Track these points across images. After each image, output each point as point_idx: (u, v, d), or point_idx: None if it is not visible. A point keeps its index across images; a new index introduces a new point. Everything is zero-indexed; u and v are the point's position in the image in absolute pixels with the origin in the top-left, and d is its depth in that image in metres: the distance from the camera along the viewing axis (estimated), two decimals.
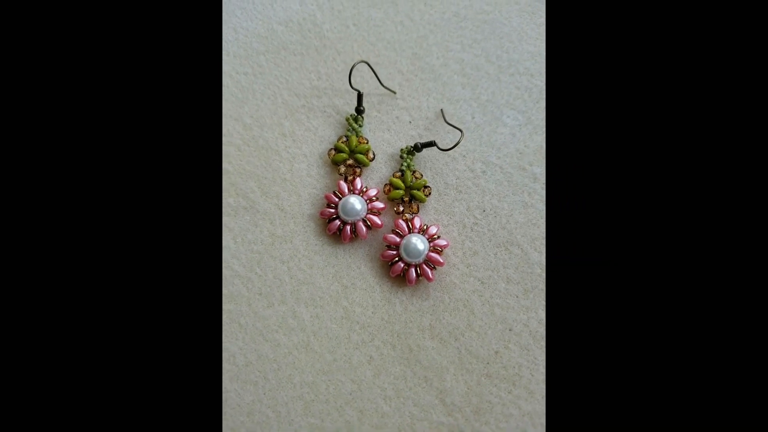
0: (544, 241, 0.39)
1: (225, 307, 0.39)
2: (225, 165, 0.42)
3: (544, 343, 0.37)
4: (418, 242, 0.38)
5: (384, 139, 0.43)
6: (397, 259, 0.38)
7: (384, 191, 0.41)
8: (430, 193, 0.40)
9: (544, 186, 0.40)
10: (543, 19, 0.46)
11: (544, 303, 0.38)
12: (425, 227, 0.39)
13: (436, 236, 0.39)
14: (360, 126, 0.42)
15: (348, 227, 0.39)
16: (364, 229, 0.39)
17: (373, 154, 0.42)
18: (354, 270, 0.39)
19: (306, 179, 0.42)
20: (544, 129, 0.42)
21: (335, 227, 0.39)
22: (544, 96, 0.43)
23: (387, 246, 0.39)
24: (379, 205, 0.40)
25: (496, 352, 0.37)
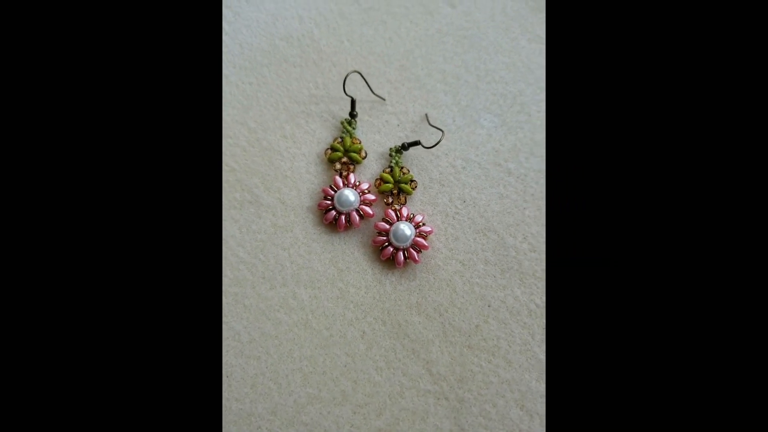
0: (518, 228, 0.43)
1: (231, 290, 0.41)
2: (232, 164, 0.46)
3: (519, 318, 0.40)
4: (406, 228, 0.40)
5: (375, 140, 0.45)
6: (387, 244, 0.40)
7: (375, 185, 0.42)
8: (416, 187, 0.42)
9: (517, 179, 0.45)
10: (516, 34, 0.51)
11: (519, 282, 0.41)
12: (412, 216, 0.41)
13: (421, 223, 0.40)
14: (353, 129, 0.44)
15: (343, 217, 0.41)
16: (357, 218, 0.41)
17: (366, 152, 0.44)
18: (348, 255, 0.41)
19: (305, 176, 0.44)
20: (516, 130, 0.46)
21: (331, 217, 0.41)
22: (517, 101, 0.48)
23: (378, 233, 0.41)
24: (371, 197, 0.42)
25: (477, 326, 0.39)
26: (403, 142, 0.44)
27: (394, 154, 0.43)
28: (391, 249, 0.40)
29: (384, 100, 0.46)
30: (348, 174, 0.43)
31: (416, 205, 0.43)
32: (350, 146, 0.43)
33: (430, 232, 0.40)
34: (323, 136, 0.45)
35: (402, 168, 0.42)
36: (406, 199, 0.42)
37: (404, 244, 0.40)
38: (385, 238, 0.40)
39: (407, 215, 0.41)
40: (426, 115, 0.45)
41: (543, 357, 0.38)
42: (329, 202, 0.41)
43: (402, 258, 0.40)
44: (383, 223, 0.41)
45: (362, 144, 0.44)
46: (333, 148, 0.43)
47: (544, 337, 0.38)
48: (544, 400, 0.36)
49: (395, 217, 0.41)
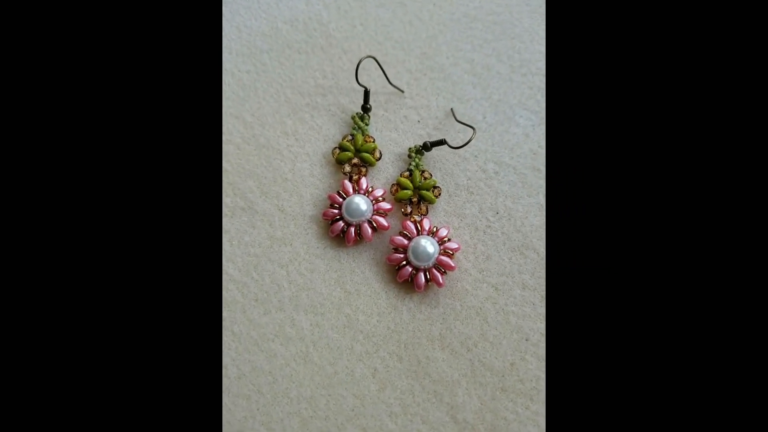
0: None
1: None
2: (224, 164, 0.41)
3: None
4: (428, 245, 0.36)
5: (391, 138, 0.42)
6: (404, 262, 0.37)
7: (391, 192, 0.39)
8: (439, 194, 0.39)
9: None
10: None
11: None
12: (435, 229, 0.37)
13: (446, 239, 0.37)
14: (366, 125, 0.41)
15: (352, 229, 0.38)
16: (369, 231, 0.38)
17: (380, 153, 0.40)
18: (358, 275, 0.38)
19: (308, 179, 0.40)
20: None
21: (338, 229, 0.38)
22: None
23: (394, 249, 0.37)
24: (386, 206, 0.38)
25: (512, 364, 0.35)
26: (424, 141, 0.40)
27: (414, 155, 0.40)
28: (410, 269, 0.36)
29: (402, 92, 0.43)
30: (359, 178, 0.39)
31: (440, 217, 0.39)
32: (362, 145, 0.40)
33: (456, 250, 0.37)
34: (331, 133, 0.42)
35: (423, 172, 0.39)
36: (427, 208, 0.39)
37: (426, 264, 0.36)
38: (402, 255, 0.37)
39: (429, 228, 0.38)
40: (452, 110, 0.42)
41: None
42: (336, 211, 0.38)
43: (423, 280, 0.36)
44: (400, 238, 0.37)
45: (376, 143, 0.41)
46: (342, 148, 0.40)
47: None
48: None
49: (415, 231, 0.37)
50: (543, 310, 0.35)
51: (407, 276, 0.36)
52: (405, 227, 0.37)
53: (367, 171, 0.40)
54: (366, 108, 0.41)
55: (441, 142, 0.39)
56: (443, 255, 0.36)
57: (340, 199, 0.38)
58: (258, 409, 0.34)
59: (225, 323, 0.36)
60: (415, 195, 0.38)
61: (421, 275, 0.36)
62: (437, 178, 0.39)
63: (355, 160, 0.40)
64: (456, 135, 0.41)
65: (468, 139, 0.38)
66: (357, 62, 0.41)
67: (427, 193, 0.38)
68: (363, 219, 0.38)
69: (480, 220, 0.38)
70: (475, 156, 0.40)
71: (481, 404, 0.34)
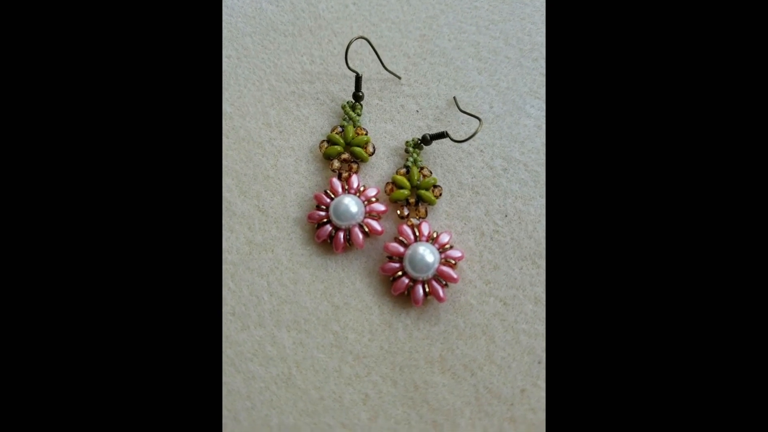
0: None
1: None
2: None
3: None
4: (427, 253, 0.33)
5: (386, 130, 0.39)
6: (400, 273, 0.34)
7: (385, 191, 0.37)
8: (440, 194, 0.36)
9: None
10: None
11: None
12: (435, 235, 0.35)
13: (448, 246, 0.34)
14: (358, 115, 0.38)
15: (341, 234, 0.35)
16: (360, 236, 0.35)
17: (373, 147, 0.38)
18: (347, 286, 0.35)
19: (292, 176, 0.37)
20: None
21: (326, 234, 0.35)
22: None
23: (388, 257, 0.35)
24: (380, 207, 0.36)
25: (522, 391, 0.32)
26: (423, 134, 0.38)
27: (411, 149, 0.37)
28: (407, 280, 0.34)
29: (399, 78, 0.40)
30: (349, 175, 0.37)
31: (441, 220, 0.36)
32: (353, 138, 0.37)
33: (459, 259, 0.34)
34: (318, 124, 0.39)
35: (422, 169, 0.37)
36: (426, 211, 0.36)
37: (424, 275, 0.34)
38: (398, 265, 0.34)
39: (428, 234, 0.35)
40: (455, 98, 0.39)
41: None
42: (323, 212, 0.36)
43: (421, 293, 0.34)
44: (396, 245, 0.35)
45: (369, 136, 0.38)
46: (330, 141, 0.38)
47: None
48: None
49: (412, 237, 0.35)
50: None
51: (403, 289, 0.34)
52: (401, 232, 0.35)
53: (358, 167, 0.37)
54: (358, 96, 0.39)
55: (442, 135, 0.36)
56: (444, 265, 0.34)
57: (328, 200, 0.36)
58: None
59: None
60: (412, 195, 0.36)
61: (419, 288, 0.33)
62: (438, 176, 0.37)
63: (345, 155, 0.37)
64: (459, 127, 0.38)
65: (473, 131, 0.35)
66: (347, 44, 0.38)
67: (427, 193, 0.35)
68: (353, 222, 0.35)
69: (486, 225, 0.35)
70: (481, 151, 0.37)
71: None
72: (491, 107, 0.38)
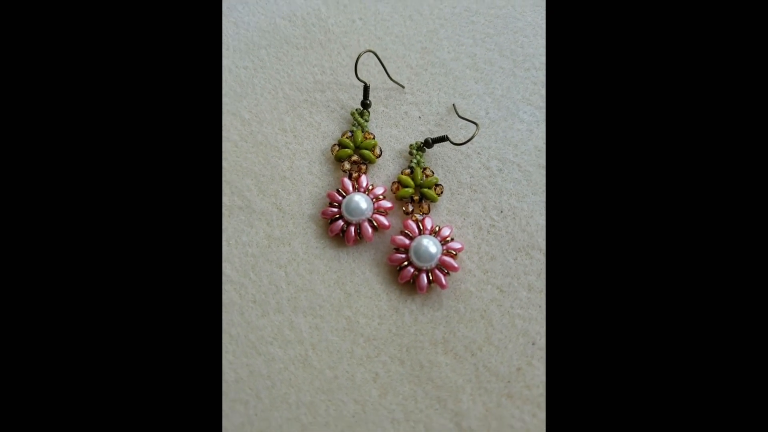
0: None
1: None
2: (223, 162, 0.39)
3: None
4: (430, 245, 0.35)
5: (392, 135, 0.41)
6: (406, 263, 0.36)
7: (392, 190, 0.38)
8: (442, 192, 0.38)
9: None
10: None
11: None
12: (437, 228, 0.36)
13: (449, 238, 0.36)
14: (366, 121, 0.40)
15: (352, 228, 0.37)
16: (369, 230, 0.37)
17: (380, 150, 0.39)
18: (358, 276, 0.36)
19: (307, 177, 0.39)
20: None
21: (338, 228, 0.37)
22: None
23: (395, 249, 0.36)
24: (387, 204, 0.37)
25: (518, 370, 0.33)
26: (426, 137, 0.39)
27: (415, 152, 0.39)
28: (412, 270, 0.35)
29: (403, 87, 0.42)
30: (359, 176, 0.38)
31: (442, 215, 0.38)
32: (362, 142, 0.39)
33: (459, 250, 0.36)
34: (330, 129, 0.41)
35: (425, 169, 0.38)
36: (429, 207, 0.38)
37: (428, 265, 0.35)
38: (404, 256, 0.36)
39: (431, 228, 0.36)
40: (454, 106, 0.41)
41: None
42: (336, 209, 0.37)
43: (425, 281, 0.35)
44: (402, 237, 0.36)
45: (376, 140, 0.40)
46: (341, 144, 0.39)
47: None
48: None
49: (417, 230, 0.36)
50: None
51: (409, 277, 0.35)
52: (406, 226, 0.36)
53: (367, 168, 0.39)
54: (365, 104, 0.40)
55: (443, 139, 0.38)
56: (446, 255, 0.35)
57: (340, 198, 0.37)
58: (256, 415, 0.33)
59: (223, 326, 0.35)
60: (416, 193, 0.37)
61: (424, 276, 0.35)
62: (439, 176, 0.39)
63: (355, 158, 0.39)
64: (458, 131, 0.40)
65: (471, 135, 0.37)
66: (356, 57, 0.40)
67: (429, 191, 0.37)
68: (363, 218, 0.37)
69: (484, 219, 0.37)
70: (478, 153, 0.39)
71: (486, 411, 0.32)
72: (487, 113, 0.40)
